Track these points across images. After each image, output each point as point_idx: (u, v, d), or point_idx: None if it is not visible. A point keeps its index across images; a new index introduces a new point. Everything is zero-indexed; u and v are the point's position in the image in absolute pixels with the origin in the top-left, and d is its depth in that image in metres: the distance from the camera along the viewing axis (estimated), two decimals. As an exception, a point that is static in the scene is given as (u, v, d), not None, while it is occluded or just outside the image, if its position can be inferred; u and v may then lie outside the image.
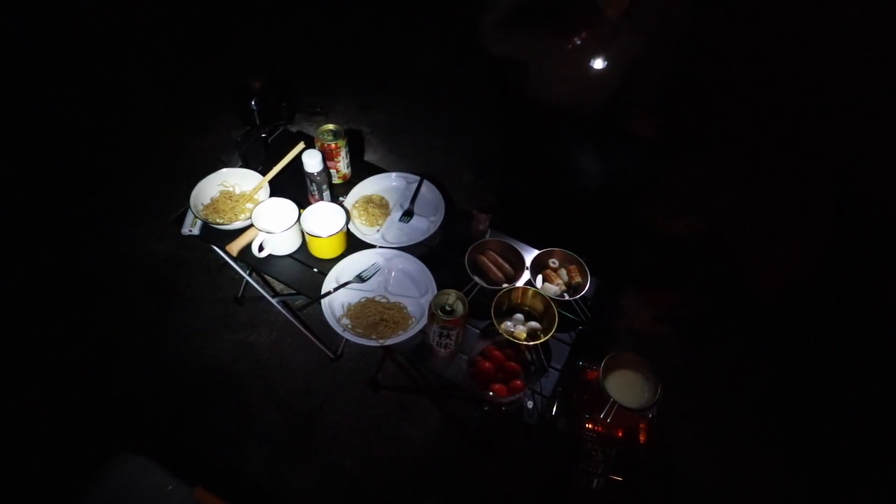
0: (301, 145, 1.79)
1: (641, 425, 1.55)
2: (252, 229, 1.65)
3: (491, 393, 1.41)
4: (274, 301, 2.00)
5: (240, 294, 2.35)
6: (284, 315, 2.11)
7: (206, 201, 1.75)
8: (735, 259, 2.24)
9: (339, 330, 1.51)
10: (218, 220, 1.69)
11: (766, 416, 2.12)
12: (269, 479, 1.93)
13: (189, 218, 1.74)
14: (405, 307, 1.58)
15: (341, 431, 2.05)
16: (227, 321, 2.31)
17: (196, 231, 1.73)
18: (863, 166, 2.15)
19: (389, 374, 2.16)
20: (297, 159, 1.70)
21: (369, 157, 3.00)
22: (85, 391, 2.10)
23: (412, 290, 1.63)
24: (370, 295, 1.60)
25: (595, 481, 1.81)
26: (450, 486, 1.94)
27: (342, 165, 1.84)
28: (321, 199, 1.74)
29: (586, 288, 1.59)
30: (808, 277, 2.09)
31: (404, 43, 3.71)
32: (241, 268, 1.92)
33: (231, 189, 1.78)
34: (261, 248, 1.64)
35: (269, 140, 1.97)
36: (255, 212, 1.63)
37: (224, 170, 1.78)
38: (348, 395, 2.13)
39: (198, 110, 3.15)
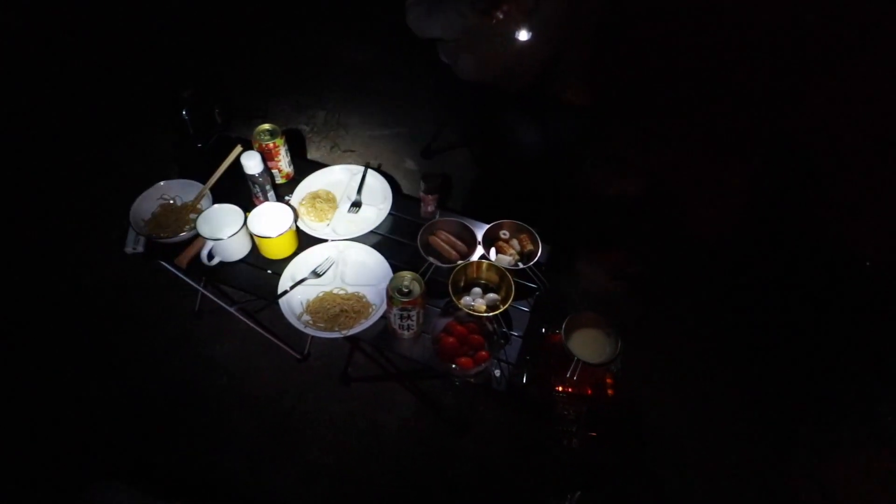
0: (238, 148, 1.77)
1: (608, 380, 1.62)
2: (199, 239, 1.62)
3: (456, 367, 1.44)
4: (232, 309, 1.97)
5: (196, 308, 2.30)
6: (246, 322, 2.08)
7: (147, 217, 1.71)
8: (678, 209, 2.33)
9: (300, 327, 1.51)
10: (162, 235, 1.65)
11: (726, 360, 2.22)
12: (251, 485, 1.92)
13: (131, 236, 1.69)
14: (364, 296, 1.59)
15: (318, 429, 2.05)
16: (189, 337, 2.27)
17: (140, 248, 1.68)
18: (788, 108, 2.26)
19: (359, 365, 2.17)
20: (238, 164, 1.68)
21: (312, 154, 2.97)
22: (52, 423, 2.03)
23: (369, 278, 1.64)
24: (328, 288, 1.60)
25: (572, 440, 1.88)
26: (431, 465, 1.97)
27: (283, 164, 1.82)
28: (266, 200, 1.73)
29: (538, 255, 1.63)
30: (747, 217, 2.20)
31: (333, 38, 3.66)
32: (194, 280, 1.88)
33: (172, 201, 1.74)
34: (210, 257, 1.61)
35: (205, 147, 1.93)
36: (198, 221, 1.60)
37: (162, 183, 1.74)
38: (320, 393, 2.13)
39: (126, 124, 3.04)
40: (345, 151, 2.97)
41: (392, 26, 3.56)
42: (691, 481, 1.91)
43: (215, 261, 1.62)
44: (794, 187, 2.18)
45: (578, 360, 1.43)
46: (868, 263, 2.03)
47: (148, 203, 1.73)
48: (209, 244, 1.58)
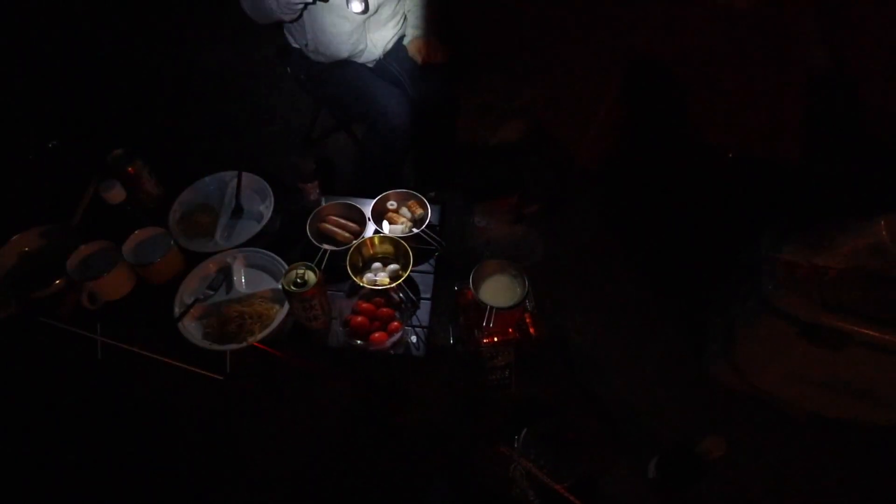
0: (94, 181, 1.66)
1: (528, 320, 1.68)
2: (80, 284, 1.51)
3: (371, 343, 1.45)
4: (135, 349, 1.86)
5: (99, 357, 2.16)
6: (154, 357, 1.97)
7: (7, 272, 1.58)
8: (557, 144, 2.43)
9: (206, 346, 1.47)
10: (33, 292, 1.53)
11: (630, 269, 2.36)
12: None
13: None
14: (265, 299, 1.56)
15: (259, 442, 2.00)
16: (96, 390, 2.13)
17: (13, 309, 1.55)
18: (641, 31, 2.38)
19: (285, 368, 2.12)
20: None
21: (194, 171, 2.82)
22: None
23: (267, 280, 1.61)
24: (226, 300, 1.56)
25: (509, 386, 1.95)
26: (377, 445, 1.97)
27: (150, 186, 1.72)
28: (139, 227, 1.63)
29: (429, 217, 1.66)
30: (619, 138, 2.32)
31: (180, 45, 3.47)
32: (86, 330, 1.76)
33: (34, 251, 1.61)
34: (93, 301, 1.52)
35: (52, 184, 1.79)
36: (69, 265, 1.50)
37: (15, 237, 1.61)
38: (253, 407, 2.06)
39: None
40: (218, 161, 2.84)
41: (237, 25, 3.47)
42: (619, 389, 2.03)
43: (99, 303, 1.53)
44: (659, 101, 2.32)
45: (491, 307, 1.47)
46: (730, 155, 2.22)
47: (6, 259, 1.59)
48: (87, 287, 1.49)
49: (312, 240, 1.60)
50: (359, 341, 1.46)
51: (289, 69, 2.23)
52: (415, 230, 1.64)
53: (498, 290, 1.54)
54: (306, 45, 2.05)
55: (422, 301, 1.59)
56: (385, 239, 1.60)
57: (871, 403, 1.76)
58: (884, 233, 1.52)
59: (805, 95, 2.04)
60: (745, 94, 2.15)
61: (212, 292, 1.56)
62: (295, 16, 1.90)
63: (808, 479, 1.86)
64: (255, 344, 1.47)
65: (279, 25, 2.11)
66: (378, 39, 2.08)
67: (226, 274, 1.60)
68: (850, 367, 1.63)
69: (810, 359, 1.65)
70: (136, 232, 1.58)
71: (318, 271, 1.39)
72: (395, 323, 1.48)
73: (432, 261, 1.68)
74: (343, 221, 1.68)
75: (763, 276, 1.67)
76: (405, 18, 2.13)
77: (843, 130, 2.01)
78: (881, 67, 1.92)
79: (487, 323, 1.51)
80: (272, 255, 1.62)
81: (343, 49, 2.04)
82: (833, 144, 2.02)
